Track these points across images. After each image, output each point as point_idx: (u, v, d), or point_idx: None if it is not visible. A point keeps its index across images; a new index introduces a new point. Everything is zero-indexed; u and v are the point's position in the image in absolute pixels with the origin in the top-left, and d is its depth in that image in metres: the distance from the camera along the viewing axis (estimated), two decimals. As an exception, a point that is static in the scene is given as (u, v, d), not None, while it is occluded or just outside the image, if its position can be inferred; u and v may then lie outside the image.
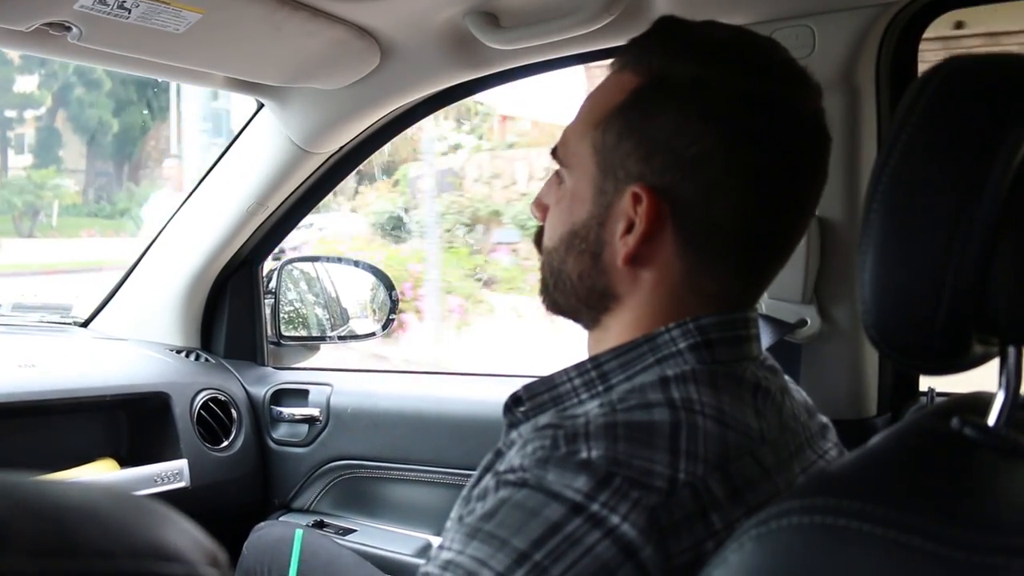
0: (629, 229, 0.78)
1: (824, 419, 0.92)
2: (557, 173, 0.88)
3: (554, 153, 0.88)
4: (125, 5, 1.18)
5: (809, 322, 1.28)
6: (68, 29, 1.21)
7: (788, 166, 0.78)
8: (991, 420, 0.59)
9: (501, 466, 0.72)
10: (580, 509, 0.64)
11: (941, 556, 0.46)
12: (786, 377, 0.89)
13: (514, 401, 0.84)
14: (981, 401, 0.62)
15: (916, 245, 0.59)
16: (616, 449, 0.67)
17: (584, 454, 0.67)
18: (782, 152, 0.77)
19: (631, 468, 0.66)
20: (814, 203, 0.83)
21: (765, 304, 1.29)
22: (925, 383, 1.35)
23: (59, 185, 13.80)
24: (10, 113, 14.68)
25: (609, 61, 0.86)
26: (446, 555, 0.66)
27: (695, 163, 0.76)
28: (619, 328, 0.82)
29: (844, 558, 0.48)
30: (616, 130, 0.79)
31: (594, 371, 0.81)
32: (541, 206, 0.90)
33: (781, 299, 1.28)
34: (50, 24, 1.20)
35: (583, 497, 0.64)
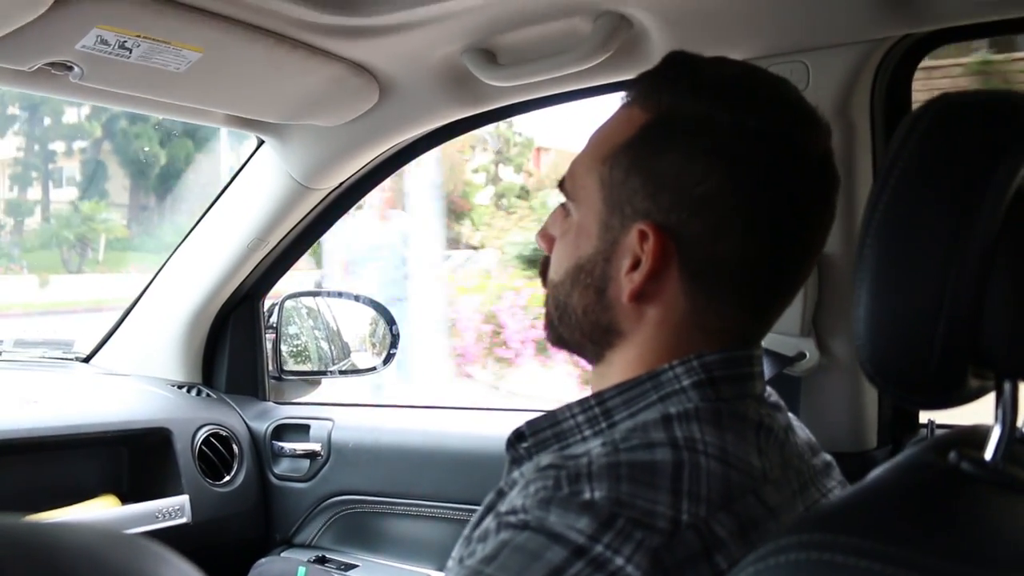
0: (635, 266, 0.78)
1: (828, 457, 0.91)
2: (564, 205, 0.87)
3: (561, 185, 0.87)
4: (126, 45, 1.19)
5: (808, 355, 1.28)
6: (70, 69, 1.23)
7: (795, 205, 0.77)
8: (988, 454, 0.59)
9: (503, 507, 0.71)
10: (583, 551, 0.63)
11: None
12: (790, 415, 0.88)
13: (517, 437, 0.83)
14: (979, 434, 0.62)
15: (910, 279, 0.59)
16: (619, 490, 0.66)
17: (587, 495, 0.66)
18: (789, 191, 0.77)
19: (634, 509, 0.65)
20: (821, 242, 0.82)
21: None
22: (925, 415, 1.35)
23: (108, 219, 13.65)
24: (56, 146, 14.48)
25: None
26: None
27: (702, 201, 0.75)
28: (623, 364, 0.82)
29: None
30: (624, 166, 0.79)
31: (597, 407, 0.80)
32: (547, 237, 0.89)
33: (779, 332, 1.27)
34: (52, 64, 1.21)
35: (586, 539, 0.63)
